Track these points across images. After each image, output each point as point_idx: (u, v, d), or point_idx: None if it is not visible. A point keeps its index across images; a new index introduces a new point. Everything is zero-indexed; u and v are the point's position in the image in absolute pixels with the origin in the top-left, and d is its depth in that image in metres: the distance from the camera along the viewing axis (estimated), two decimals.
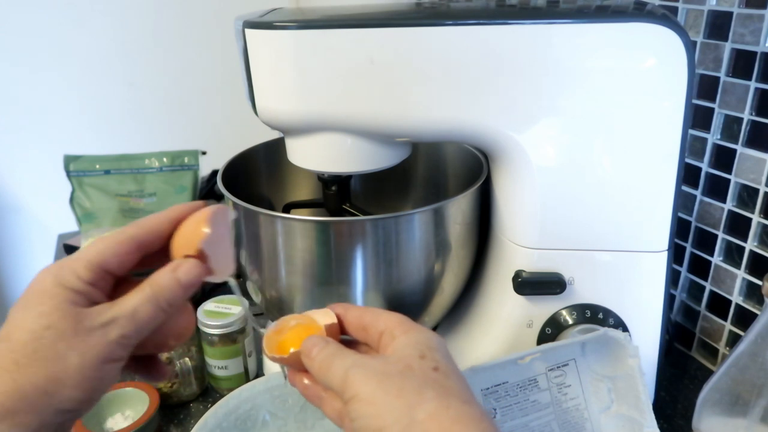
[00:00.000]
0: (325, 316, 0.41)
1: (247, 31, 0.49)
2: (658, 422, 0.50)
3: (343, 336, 0.41)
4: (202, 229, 0.37)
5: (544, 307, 0.54)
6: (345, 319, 0.41)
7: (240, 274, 0.61)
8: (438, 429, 0.31)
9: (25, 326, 0.32)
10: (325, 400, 0.38)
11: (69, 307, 0.33)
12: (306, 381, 0.39)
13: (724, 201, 0.62)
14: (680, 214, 0.66)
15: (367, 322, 0.39)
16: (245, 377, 0.65)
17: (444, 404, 0.32)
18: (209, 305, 0.64)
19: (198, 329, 0.63)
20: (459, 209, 0.56)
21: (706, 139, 0.62)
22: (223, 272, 0.38)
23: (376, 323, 0.38)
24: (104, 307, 0.34)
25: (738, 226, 0.61)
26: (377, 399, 0.33)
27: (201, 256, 0.37)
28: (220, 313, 0.62)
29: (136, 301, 0.35)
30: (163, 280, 0.36)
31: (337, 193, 0.61)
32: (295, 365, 0.39)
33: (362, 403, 0.33)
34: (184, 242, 0.37)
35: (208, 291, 0.81)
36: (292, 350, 0.38)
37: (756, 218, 0.59)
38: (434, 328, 0.64)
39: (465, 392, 0.34)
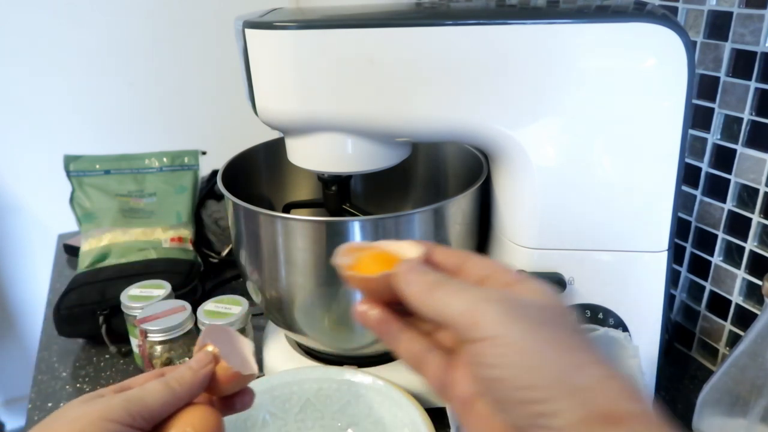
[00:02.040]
0: (411, 248, 0.34)
1: (247, 31, 0.49)
2: None
3: None
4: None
5: None
6: (432, 257, 0.34)
7: (240, 274, 0.61)
8: (612, 402, 0.25)
9: None
10: (414, 338, 0.32)
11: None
12: (384, 314, 0.33)
13: (724, 201, 0.62)
14: (680, 214, 0.66)
15: (461, 264, 0.33)
16: None
17: (607, 372, 0.26)
18: (209, 305, 0.64)
19: (198, 329, 0.63)
20: (459, 209, 0.56)
21: (706, 139, 0.62)
22: (238, 367, 0.37)
23: (472, 266, 0.32)
24: (125, 396, 0.35)
25: (738, 226, 0.61)
26: (528, 348, 0.26)
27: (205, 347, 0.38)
28: (220, 313, 0.62)
29: (151, 384, 0.35)
30: (176, 368, 0.37)
31: (337, 193, 0.61)
32: (376, 292, 0.33)
33: (507, 349, 0.26)
34: None
35: (208, 291, 0.81)
36: (382, 272, 0.32)
37: (756, 218, 0.59)
38: None
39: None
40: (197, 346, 0.38)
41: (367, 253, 0.34)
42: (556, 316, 0.28)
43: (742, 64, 0.57)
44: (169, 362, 0.61)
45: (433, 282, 0.30)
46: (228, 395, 0.38)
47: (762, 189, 0.58)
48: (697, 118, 0.63)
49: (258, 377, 0.45)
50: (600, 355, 0.27)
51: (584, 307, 0.54)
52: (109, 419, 0.32)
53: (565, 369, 0.26)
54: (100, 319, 0.70)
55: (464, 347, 0.29)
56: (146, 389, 0.35)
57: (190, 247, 0.84)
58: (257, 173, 0.70)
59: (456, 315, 0.28)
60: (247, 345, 0.40)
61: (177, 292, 0.72)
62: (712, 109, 0.61)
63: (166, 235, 0.83)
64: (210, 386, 0.37)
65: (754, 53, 0.56)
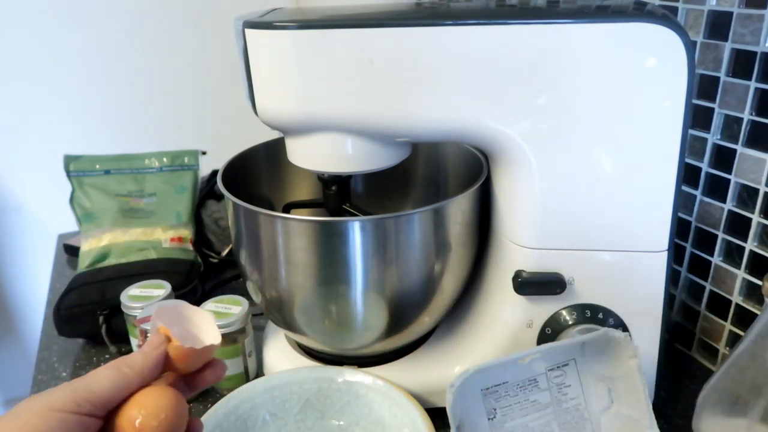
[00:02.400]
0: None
1: (247, 31, 0.49)
2: (658, 422, 0.50)
3: None
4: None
5: (544, 307, 0.54)
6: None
7: (240, 274, 0.61)
8: None
9: None
10: None
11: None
12: None
13: (724, 201, 0.62)
14: (680, 214, 0.66)
15: None
16: (245, 377, 0.65)
17: None
18: (209, 305, 0.64)
19: None
20: (459, 209, 0.56)
21: (706, 139, 0.62)
22: (192, 343, 0.38)
23: None
24: (76, 383, 0.35)
25: (738, 226, 0.61)
26: None
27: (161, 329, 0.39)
28: (219, 313, 0.62)
29: (101, 369, 0.36)
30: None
31: (337, 193, 0.61)
32: None
33: None
34: None
35: (208, 291, 0.81)
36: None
37: (756, 218, 0.59)
38: (434, 329, 0.64)
39: None
40: (151, 329, 0.39)
41: None
42: None
43: (742, 64, 0.57)
44: None
45: None
46: (195, 371, 0.39)
47: (762, 189, 0.58)
48: (697, 118, 0.63)
49: (258, 377, 0.45)
50: None
51: (584, 307, 0.54)
52: (53, 408, 0.33)
53: None
54: (100, 319, 0.70)
55: None
56: (95, 375, 0.35)
57: (190, 247, 0.84)
58: (257, 173, 0.70)
59: None
60: (204, 317, 0.41)
61: (177, 292, 0.72)
62: (712, 109, 0.61)
63: (166, 235, 0.83)
64: (169, 366, 0.38)
65: (754, 53, 0.56)
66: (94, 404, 0.34)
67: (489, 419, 0.50)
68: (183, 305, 0.41)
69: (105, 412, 0.35)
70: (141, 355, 0.37)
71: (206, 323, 0.41)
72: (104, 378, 0.35)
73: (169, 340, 0.38)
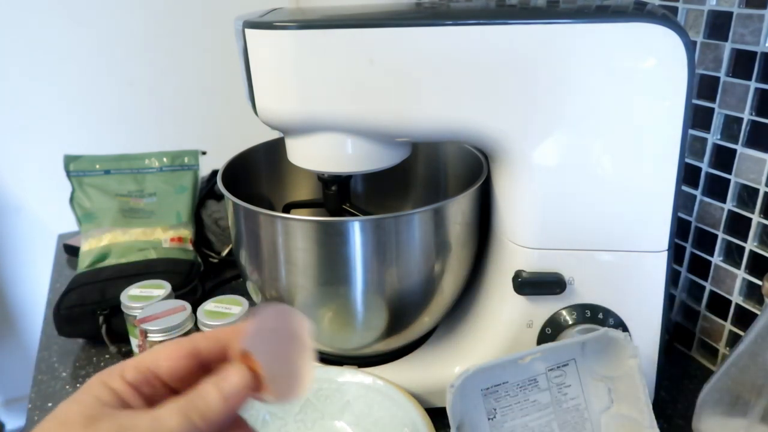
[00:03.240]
0: None
1: (247, 31, 0.49)
2: (658, 422, 0.50)
3: None
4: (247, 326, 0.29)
5: (544, 307, 0.54)
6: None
7: (240, 274, 0.61)
8: None
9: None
10: None
11: (96, 404, 0.29)
12: None
13: (724, 201, 0.62)
14: (680, 214, 0.66)
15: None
16: None
17: None
18: (209, 305, 0.64)
19: (198, 329, 0.63)
20: (459, 209, 0.56)
21: (706, 139, 0.62)
22: (284, 393, 0.29)
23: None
24: (130, 414, 0.29)
25: (738, 226, 0.61)
26: None
27: (246, 359, 0.29)
28: (220, 313, 0.62)
29: (166, 412, 0.28)
30: (202, 390, 0.29)
31: (337, 193, 0.61)
32: None
33: None
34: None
35: (208, 291, 0.81)
36: None
37: (756, 218, 0.59)
38: (434, 329, 0.64)
39: None
40: (234, 350, 0.30)
41: None
42: None
43: (742, 64, 0.57)
44: None
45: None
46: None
47: (762, 189, 0.58)
48: (697, 118, 0.63)
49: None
50: None
51: (584, 307, 0.54)
52: None
53: None
54: (100, 319, 0.70)
55: None
56: (159, 419, 0.28)
57: (190, 247, 0.84)
58: (257, 173, 0.70)
59: None
60: (305, 350, 0.30)
61: (177, 292, 0.72)
62: (712, 109, 0.61)
63: (166, 235, 0.83)
64: None
65: (754, 53, 0.56)
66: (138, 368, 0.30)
67: (489, 419, 0.50)
68: (293, 322, 0.30)
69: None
70: (220, 404, 0.29)
71: (304, 361, 0.30)
72: (169, 427, 0.28)
73: (258, 387, 0.29)
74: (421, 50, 0.47)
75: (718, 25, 0.59)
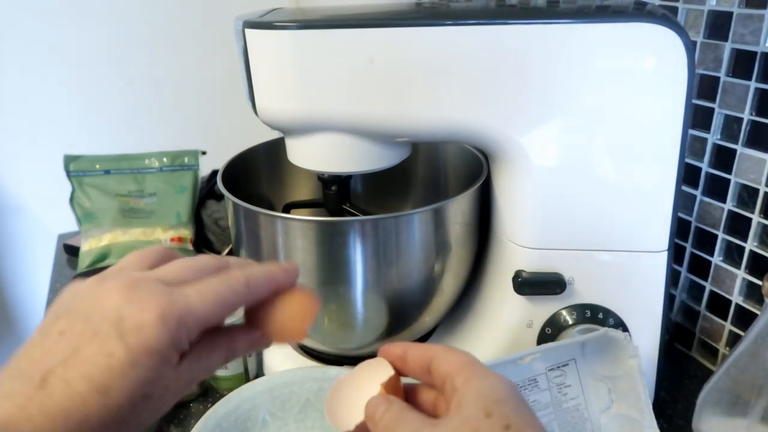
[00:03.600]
0: (380, 369, 0.37)
1: (247, 31, 0.49)
2: (658, 422, 0.50)
3: (406, 381, 0.37)
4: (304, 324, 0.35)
5: (544, 307, 0.54)
6: (406, 361, 0.36)
7: None
8: None
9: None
10: None
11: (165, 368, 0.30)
12: None
13: (724, 201, 0.62)
14: (680, 214, 0.66)
15: (430, 364, 0.35)
16: (245, 377, 0.65)
17: None
18: None
19: None
20: (459, 209, 0.56)
21: (706, 139, 0.62)
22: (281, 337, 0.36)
23: (438, 367, 0.34)
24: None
25: (738, 226, 0.61)
26: None
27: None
28: None
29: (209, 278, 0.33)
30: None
31: (337, 193, 0.61)
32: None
33: None
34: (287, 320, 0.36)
35: None
36: (355, 424, 0.35)
37: (756, 218, 0.59)
38: (434, 329, 0.64)
39: None
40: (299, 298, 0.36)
41: (348, 387, 0.37)
42: (476, 425, 0.29)
43: (742, 64, 0.57)
44: None
45: (394, 419, 0.32)
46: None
47: (762, 189, 0.58)
48: (697, 118, 0.63)
49: (258, 377, 0.43)
50: None
51: (584, 307, 0.54)
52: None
53: None
54: None
55: None
56: (200, 290, 0.32)
57: (190, 247, 0.84)
58: (257, 173, 0.70)
59: None
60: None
61: None
62: (712, 109, 0.61)
63: (166, 235, 0.83)
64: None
65: (754, 53, 0.56)
66: (189, 327, 0.31)
67: None
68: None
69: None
70: (265, 273, 0.34)
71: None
72: (207, 293, 0.31)
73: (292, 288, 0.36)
74: (421, 50, 0.47)
75: (718, 25, 0.59)
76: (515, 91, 0.48)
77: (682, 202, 0.66)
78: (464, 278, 0.61)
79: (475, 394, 0.31)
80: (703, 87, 0.62)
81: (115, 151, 0.90)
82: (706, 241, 0.64)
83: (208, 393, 0.66)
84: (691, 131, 0.64)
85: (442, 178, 0.73)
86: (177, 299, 0.30)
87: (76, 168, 0.88)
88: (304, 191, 0.73)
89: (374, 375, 0.36)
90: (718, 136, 0.61)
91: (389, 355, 0.37)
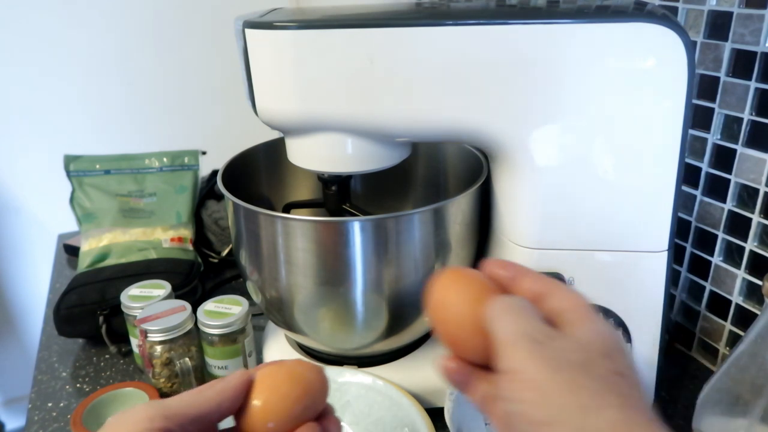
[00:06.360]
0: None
1: (247, 31, 0.49)
2: None
3: None
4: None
5: None
6: (515, 284, 0.35)
7: (240, 274, 0.61)
8: None
9: None
10: (483, 384, 0.33)
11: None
12: (461, 366, 0.34)
13: (724, 201, 0.62)
14: (680, 214, 0.66)
15: (546, 296, 0.33)
16: None
17: (627, 416, 0.27)
18: (209, 305, 0.64)
19: (198, 329, 0.63)
20: (459, 209, 0.56)
21: (706, 139, 0.62)
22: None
23: (554, 301, 0.33)
24: None
25: (738, 226, 0.61)
26: (546, 386, 0.27)
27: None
28: (220, 313, 0.62)
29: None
30: None
31: (337, 193, 0.61)
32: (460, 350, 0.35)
33: (523, 384, 0.28)
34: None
35: (208, 291, 0.81)
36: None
37: (756, 218, 0.59)
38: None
39: (649, 408, 0.28)
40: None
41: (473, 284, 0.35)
42: (593, 357, 0.28)
43: (742, 64, 0.57)
44: (169, 362, 0.61)
45: (509, 307, 0.31)
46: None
47: (762, 189, 0.58)
48: (697, 118, 0.63)
49: None
50: (625, 400, 0.27)
51: None
52: (132, 423, 0.31)
53: (578, 410, 0.27)
54: (100, 319, 0.70)
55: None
56: (178, 397, 0.33)
57: (190, 247, 0.84)
58: (257, 173, 0.70)
59: (498, 341, 0.30)
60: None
61: (177, 292, 0.72)
62: (712, 109, 0.61)
63: (166, 235, 0.83)
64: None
65: (754, 53, 0.56)
66: (167, 417, 0.32)
67: (486, 424, 0.50)
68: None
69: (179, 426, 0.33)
70: (222, 381, 0.35)
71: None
72: (182, 396, 0.34)
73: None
74: (421, 50, 0.47)
75: (718, 25, 0.59)
76: (514, 91, 0.48)
77: (682, 202, 0.66)
78: None
79: (599, 334, 0.30)
80: (703, 87, 0.62)
81: (116, 151, 0.90)
82: (706, 241, 0.64)
83: None
84: (691, 131, 0.64)
85: (442, 178, 0.72)
86: None
87: (76, 168, 0.87)
88: (304, 191, 0.73)
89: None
90: (718, 136, 0.61)
91: (497, 276, 0.35)
